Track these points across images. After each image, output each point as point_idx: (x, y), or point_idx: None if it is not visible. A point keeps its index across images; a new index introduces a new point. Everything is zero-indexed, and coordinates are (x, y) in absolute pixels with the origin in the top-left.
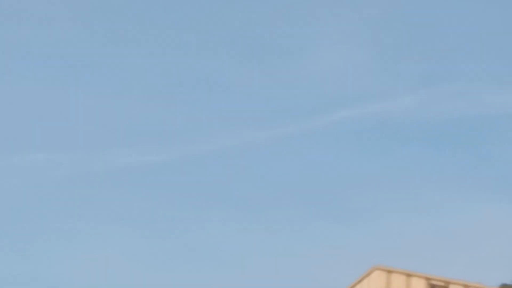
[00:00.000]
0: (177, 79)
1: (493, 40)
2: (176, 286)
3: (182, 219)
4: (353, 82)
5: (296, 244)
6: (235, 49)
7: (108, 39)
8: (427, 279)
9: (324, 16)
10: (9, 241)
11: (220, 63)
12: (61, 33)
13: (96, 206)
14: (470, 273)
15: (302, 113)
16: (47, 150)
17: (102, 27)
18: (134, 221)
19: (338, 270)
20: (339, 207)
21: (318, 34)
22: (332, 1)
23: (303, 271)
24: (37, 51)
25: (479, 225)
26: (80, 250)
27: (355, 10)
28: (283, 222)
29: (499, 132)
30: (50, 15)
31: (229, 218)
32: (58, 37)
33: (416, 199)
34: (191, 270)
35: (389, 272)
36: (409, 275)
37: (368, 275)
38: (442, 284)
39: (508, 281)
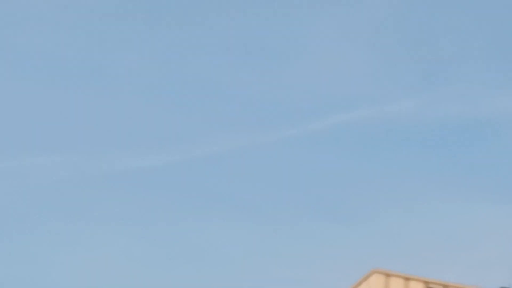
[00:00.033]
0: (176, 81)
1: (493, 43)
2: (176, 287)
3: (182, 221)
4: (352, 85)
5: (295, 247)
6: (234, 52)
7: (106, 41)
8: (426, 282)
9: (322, 18)
10: (8, 243)
11: (219, 66)
12: (60, 34)
13: (96, 209)
14: (468, 276)
15: (301, 115)
16: (46, 153)
17: (101, 29)
18: (134, 224)
19: (336, 272)
20: (337, 209)
21: (317, 36)
22: (331, 4)
23: (302, 273)
24: (36, 53)
25: (478, 228)
26: (79, 252)
27: (354, 12)
28: (282, 225)
29: (498, 135)
30: (50, 16)
31: (228, 220)
32: (55, 39)
33: (414, 202)
34: (191, 273)
35: (387, 275)
36: (407, 279)
37: (366, 278)
38: (440, 287)
39: (507, 284)
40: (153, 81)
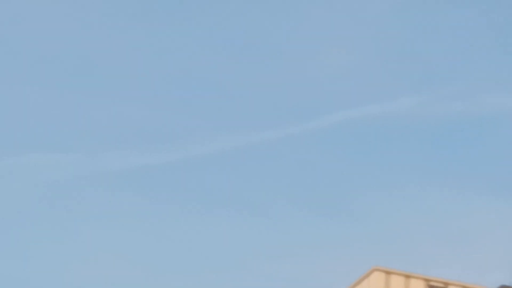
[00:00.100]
0: (176, 81)
1: (492, 42)
2: (175, 286)
3: (182, 219)
4: (352, 83)
5: (296, 244)
6: (234, 51)
7: (105, 40)
8: (426, 280)
9: (323, 17)
10: (7, 240)
11: (219, 65)
12: (59, 33)
13: (95, 207)
14: (469, 274)
15: (302, 114)
16: (45, 151)
17: (100, 28)
18: (133, 221)
19: (337, 270)
20: (338, 207)
21: (317, 35)
22: (331, 3)
23: (303, 271)
24: (36, 53)
25: (479, 226)
26: (77, 250)
27: (354, 12)
28: (283, 223)
29: (498, 132)
30: (49, 15)
31: (228, 218)
32: (55, 38)
33: (415, 200)
34: (190, 270)
35: (388, 273)
36: (408, 276)
37: (367, 276)
38: (441, 285)
39: (507, 283)
40: (153, 80)
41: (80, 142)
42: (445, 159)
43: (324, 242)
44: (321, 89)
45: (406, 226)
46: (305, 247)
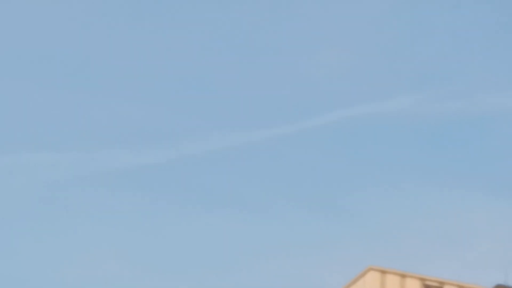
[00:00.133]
0: (172, 80)
1: (489, 41)
2: (173, 286)
3: (180, 218)
4: (348, 82)
5: (291, 244)
6: (230, 50)
7: (101, 39)
8: (422, 279)
9: (319, 16)
10: (4, 240)
11: (215, 64)
12: (55, 32)
13: (92, 207)
14: (465, 273)
15: (298, 112)
16: (42, 151)
17: (96, 27)
18: (131, 223)
19: (332, 269)
20: (333, 206)
21: (313, 34)
22: (326, 3)
23: (298, 270)
24: (34, 52)
25: (475, 226)
26: (75, 251)
27: (351, 10)
28: (278, 222)
29: (495, 132)
30: (46, 14)
31: (224, 217)
32: (52, 37)
33: (411, 199)
34: (188, 271)
35: (384, 272)
36: (403, 276)
37: (363, 275)
38: (436, 284)
39: (502, 282)
40: (151, 79)
41: (77, 141)
42: (442, 158)
43: (320, 241)
44: (318, 87)
45: (402, 225)
46: (300, 246)
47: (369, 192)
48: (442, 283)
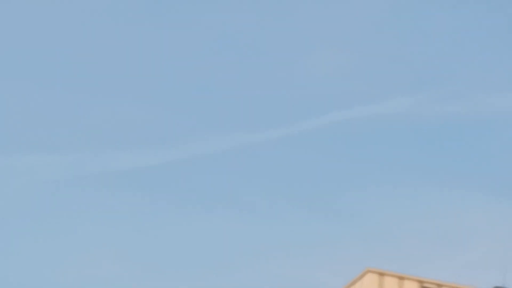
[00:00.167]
0: (170, 81)
1: (487, 42)
2: (173, 286)
3: (179, 220)
4: (347, 84)
5: (289, 245)
6: (227, 51)
7: (101, 40)
8: (420, 281)
9: (316, 17)
10: (4, 242)
11: (213, 66)
12: (54, 32)
13: (92, 208)
14: (462, 275)
15: (296, 114)
16: (43, 152)
17: (95, 28)
18: (130, 223)
19: (330, 271)
20: (331, 208)
21: (310, 35)
22: (324, 4)
23: (296, 272)
24: (32, 52)
25: (472, 227)
26: (76, 252)
27: (348, 11)
28: (276, 223)
29: (493, 133)
30: (47, 13)
31: (223, 218)
32: (50, 37)
33: (409, 201)
34: (187, 271)
35: (381, 274)
36: (401, 278)
37: (361, 277)
38: (434, 286)
39: (500, 284)
40: (151, 81)
41: (77, 142)
42: (441, 159)
43: (318, 243)
44: (317, 89)
45: (400, 226)
46: (299, 247)
47: (368, 193)
48: (440, 285)
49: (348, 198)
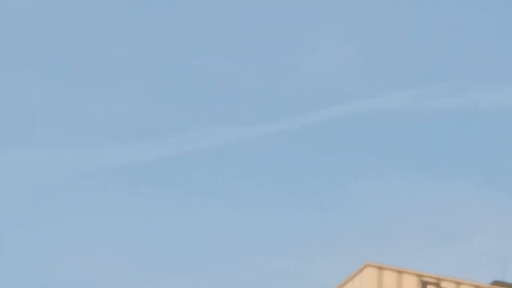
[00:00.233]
0: (169, 75)
1: (485, 37)
2: (171, 283)
3: (178, 215)
4: (344, 78)
5: (287, 240)
6: (225, 45)
7: (98, 34)
8: (419, 276)
9: (315, 11)
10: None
11: (212, 60)
12: (51, 26)
13: (87, 204)
14: (462, 270)
15: (295, 109)
16: (39, 147)
17: (93, 21)
18: (126, 219)
19: (329, 266)
20: (330, 202)
21: (310, 29)
22: None
23: (294, 266)
24: (27, 47)
25: (472, 221)
26: (71, 247)
27: (347, 5)
28: (274, 218)
29: (490, 128)
30: (44, 9)
31: (219, 214)
32: (48, 32)
33: (408, 195)
34: (184, 266)
35: (380, 269)
36: (400, 272)
37: (359, 271)
38: (434, 281)
39: (500, 278)
40: (145, 75)
41: (73, 137)
42: (438, 154)
43: (316, 238)
44: (314, 83)
45: (398, 221)
46: (296, 242)
47: (366, 188)
48: (439, 279)
49: (347, 192)
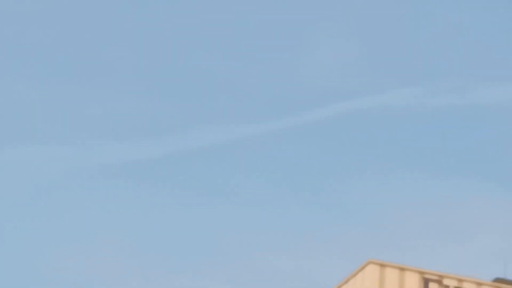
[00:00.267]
0: (169, 74)
1: (487, 35)
2: (171, 281)
3: (178, 212)
4: (346, 76)
5: (291, 237)
6: (227, 44)
7: (99, 33)
8: (421, 273)
9: (316, 9)
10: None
11: (213, 58)
12: (52, 26)
13: (87, 200)
14: (464, 267)
15: (298, 106)
16: (41, 145)
17: (94, 21)
18: (127, 215)
19: (332, 263)
20: (333, 200)
21: (312, 27)
22: None
23: (297, 264)
24: (29, 46)
25: (474, 219)
26: (72, 243)
27: (349, 4)
28: (277, 215)
29: (493, 125)
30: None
31: (221, 211)
32: (48, 31)
33: (410, 193)
34: (186, 263)
35: (383, 266)
36: (402, 269)
37: (362, 268)
38: (436, 278)
39: (502, 275)
40: (146, 74)
41: (74, 135)
42: (441, 151)
43: (318, 235)
44: (314, 82)
45: (401, 218)
46: (300, 240)
47: (368, 186)
48: (441, 276)
49: (349, 189)
